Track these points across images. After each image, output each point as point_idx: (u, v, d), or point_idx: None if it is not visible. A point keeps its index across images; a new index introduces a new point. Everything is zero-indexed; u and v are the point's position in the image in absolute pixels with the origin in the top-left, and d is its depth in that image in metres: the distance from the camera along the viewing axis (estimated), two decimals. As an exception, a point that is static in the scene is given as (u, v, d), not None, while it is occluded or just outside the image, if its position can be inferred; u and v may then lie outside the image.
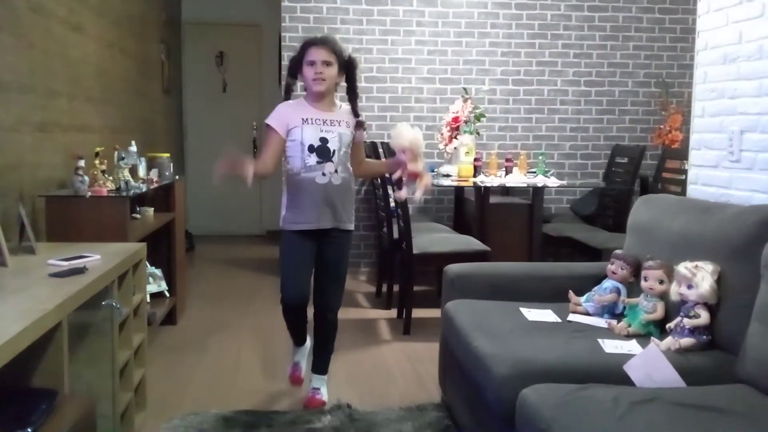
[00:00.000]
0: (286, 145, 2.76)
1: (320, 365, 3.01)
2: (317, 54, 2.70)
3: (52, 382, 1.85)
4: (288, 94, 2.85)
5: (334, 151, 2.74)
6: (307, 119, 2.73)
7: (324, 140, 2.73)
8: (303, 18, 5.34)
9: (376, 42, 5.40)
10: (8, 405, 1.76)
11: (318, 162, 2.73)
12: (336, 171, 2.75)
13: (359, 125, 2.84)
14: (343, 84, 2.84)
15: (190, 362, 3.48)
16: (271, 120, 2.78)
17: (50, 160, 3.40)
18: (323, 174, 2.74)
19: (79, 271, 2.17)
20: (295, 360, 3.15)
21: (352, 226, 2.91)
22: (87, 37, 3.98)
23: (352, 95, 2.85)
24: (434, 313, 4.26)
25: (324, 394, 2.98)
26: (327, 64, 2.71)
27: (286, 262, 2.85)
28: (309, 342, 3.13)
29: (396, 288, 4.41)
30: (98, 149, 3.30)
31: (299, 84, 2.90)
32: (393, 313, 4.36)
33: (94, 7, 4.12)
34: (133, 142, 3.81)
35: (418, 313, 4.09)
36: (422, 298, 4.51)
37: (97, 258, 2.36)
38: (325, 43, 2.75)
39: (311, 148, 2.72)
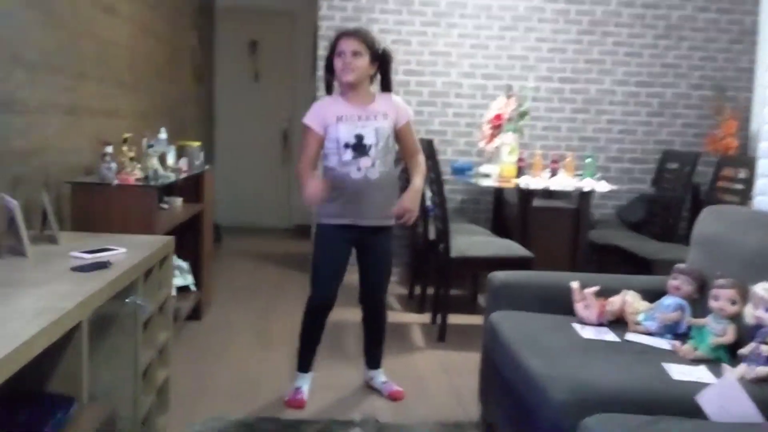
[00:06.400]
0: (324, 143, 2.74)
1: (379, 359, 3.06)
2: (346, 44, 2.67)
3: (70, 388, 1.69)
4: (329, 90, 2.80)
5: (370, 146, 2.70)
6: (341, 116, 2.70)
7: (359, 137, 2.70)
8: (341, 6, 5.15)
9: (416, 34, 5.19)
10: (21, 412, 1.61)
11: (354, 157, 2.69)
12: (373, 165, 2.71)
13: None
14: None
15: (214, 361, 3.32)
16: (309, 119, 2.74)
17: (77, 145, 3.26)
18: (358, 169, 2.70)
19: (103, 265, 2.00)
20: (297, 385, 2.92)
21: (392, 222, 2.84)
22: (119, 18, 3.83)
23: (386, 88, 2.82)
24: (470, 319, 4.09)
25: (395, 384, 3.03)
26: (356, 54, 2.67)
27: (321, 258, 2.81)
28: (312, 374, 2.99)
29: (430, 291, 4.21)
30: (126, 135, 3.14)
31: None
32: (426, 317, 4.17)
33: (127, -12, 3.97)
34: (162, 129, 3.65)
35: (453, 318, 3.89)
36: (457, 303, 4.31)
37: (123, 251, 2.20)
38: (355, 33, 2.72)
39: (347, 146, 2.70)
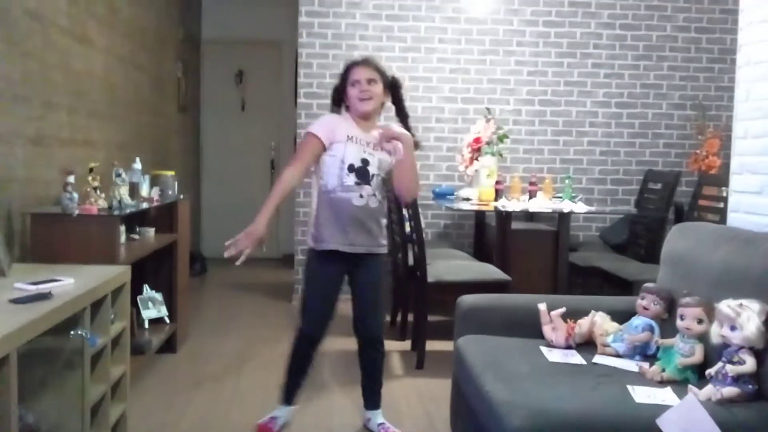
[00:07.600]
0: (323, 159, 2.64)
1: (375, 400, 2.89)
2: (360, 73, 2.64)
3: (-2, 424, 1.63)
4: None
5: (373, 175, 2.64)
6: (352, 137, 2.63)
7: (365, 162, 2.62)
8: (320, 34, 5.16)
9: (396, 59, 5.19)
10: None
11: (357, 183, 2.62)
12: (374, 194, 2.65)
13: (415, 146, 2.67)
14: (390, 105, 2.76)
15: (184, 395, 3.23)
16: (317, 128, 2.64)
17: (46, 176, 3.23)
18: (360, 196, 2.63)
19: (44, 297, 1.95)
20: (274, 414, 2.83)
21: (385, 249, 2.80)
22: (93, 49, 3.83)
23: (402, 116, 2.77)
24: (450, 345, 3.99)
25: (392, 427, 2.83)
26: (371, 81, 2.63)
27: (312, 288, 2.76)
28: (294, 407, 2.90)
29: (411, 318, 4.13)
30: (92, 165, 3.11)
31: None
32: (407, 345, 4.09)
33: (102, 19, 3.97)
34: (137, 159, 3.62)
35: (434, 345, 3.81)
36: (439, 329, 4.21)
37: (69, 282, 2.14)
38: (367, 62, 2.69)
39: (351, 168, 2.61)
